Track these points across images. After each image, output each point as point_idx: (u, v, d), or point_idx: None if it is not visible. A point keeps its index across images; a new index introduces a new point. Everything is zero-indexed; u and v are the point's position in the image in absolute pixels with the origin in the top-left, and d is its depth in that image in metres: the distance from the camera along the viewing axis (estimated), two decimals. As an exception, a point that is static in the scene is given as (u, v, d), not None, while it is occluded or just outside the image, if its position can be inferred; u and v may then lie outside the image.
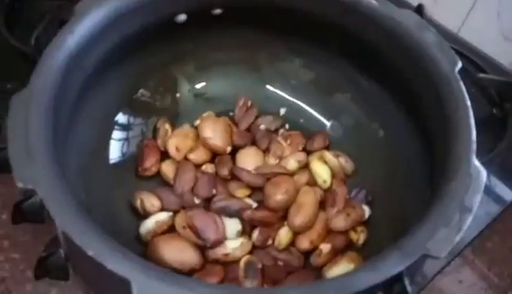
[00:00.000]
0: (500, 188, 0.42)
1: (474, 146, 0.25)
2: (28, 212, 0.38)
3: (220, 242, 0.33)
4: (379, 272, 0.21)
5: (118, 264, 0.19)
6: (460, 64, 0.29)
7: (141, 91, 0.39)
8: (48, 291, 0.37)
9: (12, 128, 0.23)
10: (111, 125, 0.36)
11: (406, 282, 0.22)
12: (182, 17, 0.37)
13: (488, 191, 0.42)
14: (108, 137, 0.36)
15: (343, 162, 0.38)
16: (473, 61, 0.49)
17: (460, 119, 0.26)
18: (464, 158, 0.25)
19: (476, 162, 0.25)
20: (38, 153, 0.22)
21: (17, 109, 0.24)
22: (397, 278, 0.22)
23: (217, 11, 0.38)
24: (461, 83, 0.28)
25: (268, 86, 0.43)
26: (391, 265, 0.21)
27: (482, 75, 0.47)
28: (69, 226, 0.20)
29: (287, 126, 0.42)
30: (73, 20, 0.29)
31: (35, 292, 0.36)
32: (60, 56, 0.27)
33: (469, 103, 0.27)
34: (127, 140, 0.37)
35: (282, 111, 0.43)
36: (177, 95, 0.41)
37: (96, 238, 0.20)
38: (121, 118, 0.38)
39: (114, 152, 0.37)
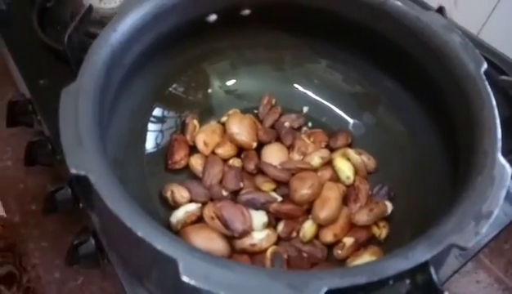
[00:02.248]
0: (518, 191, 0.42)
1: (500, 144, 0.26)
2: (59, 203, 0.40)
3: (247, 232, 0.35)
4: (409, 259, 0.22)
5: (165, 244, 0.21)
6: (485, 65, 0.30)
7: (174, 85, 0.40)
8: (76, 279, 0.38)
9: (63, 119, 0.25)
10: (147, 118, 0.38)
11: (432, 271, 0.23)
12: (213, 17, 0.38)
13: (506, 194, 0.42)
14: (143, 129, 0.38)
15: (366, 160, 0.40)
16: (494, 63, 0.49)
17: (486, 118, 0.27)
18: (490, 155, 0.26)
19: (501, 159, 0.26)
20: (88, 142, 0.24)
21: (67, 102, 0.26)
22: (424, 267, 0.23)
23: (246, 12, 0.39)
24: (487, 83, 0.29)
25: (293, 85, 0.45)
26: (420, 253, 0.22)
27: (502, 77, 0.48)
28: (120, 209, 0.22)
29: (310, 124, 0.44)
30: (115, 19, 0.30)
31: (63, 279, 0.38)
32: (104, 53, 0.29)
33: (494, 102, 0.28)
34: (161, 132, 0.39)
35: (305, 109, 0.44)
36: (209, 90, 0.43)
37: (144, 221, 0.22)
38: (156, 111, 0.39)
39: (149, 143, 0.39)
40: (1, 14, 0.53)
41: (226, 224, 0.34)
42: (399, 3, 0.34)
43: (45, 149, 0.42)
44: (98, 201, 0.30)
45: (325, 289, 0.20)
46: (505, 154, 0.27)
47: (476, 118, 0.28)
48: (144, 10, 0.32)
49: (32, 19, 0.50)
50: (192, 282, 0.19)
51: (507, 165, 0.26)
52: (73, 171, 0.22)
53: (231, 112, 0.42)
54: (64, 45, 0.44)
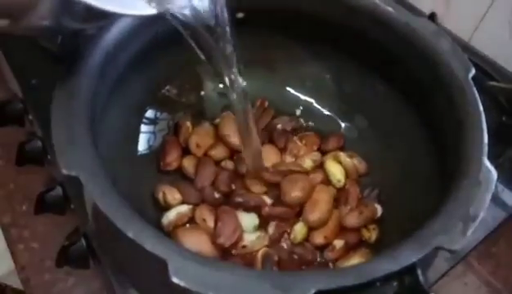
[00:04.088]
0: (507, 194, 0.43)
1: (486, 148, 0.27)
2: (50, 203, 0.40)
3: (233, 247, 0.34)
4: (396, 261, 0.22)
5: (155, 245, 0.21)
6: (473, 71, 0.30)
7: (167, 87, 0.41)
8: (66, 280, 0.38)
9: (56, 119, 0.25)
10: (139, 119, 0.38)
11: (419, 273, 0.23)
12: (207, 20, 0.38)
13: (495, 197, 0.43)
14: (136, 131, 0.38)
15: (357, 163, 0.40)
16: (484, 69, 0.50)
17: (473, 123, 0.28)
18: (477, 159, 0.26)
19: (487, 163, 0.26)
20: (81, 142, 0.24)
21: (60, 102, 0.26)
22: (411, 269, 0.23)
23: (240, 15, 0.39)
24: (474, 89, 0.29)
25: (286, 88, 0.45)
26: (406, 255, 0.22)
27: (492, 83, 0.49)
28: (111, 210, 0.22)
29: (302, 126, 0.44)
30: (110, 21, 0.30)
31: (53, 281, 0.38)
32: (98, 54, 0.29)
33: (481, 108, 0.28)
34: (153, 133, 0.39)
35: (298, 112, 0.45)
36: (202, 93, 0.43)
37: (135, 222, 0.22)
38: (148, 112, 0.40)
39: (141, 145, 0.39)
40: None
41: (214, 234, 0.34)
42: (390, 9, 0.35)
43: (36, 149, 0.42)
44: (89, 201, 0.30)
45: (313, 290, 0.20)
46: (494, 158, 0.27)
47: (463, 123, 0.29)
48: (138, 12, 0.32)
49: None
50: (182, 283, 0.20)
51: (493, 169, 0.26)
52: (64, 171, 0.23)
53: (223, 114, 0.42)
54: (57, 45, 0.44)
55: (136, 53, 0.33)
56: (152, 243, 0.21)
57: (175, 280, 0.20)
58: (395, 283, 0.23)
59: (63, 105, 0.25)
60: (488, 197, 0.25)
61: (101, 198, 0.22)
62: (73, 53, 0.43)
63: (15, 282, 0.60)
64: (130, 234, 0.21)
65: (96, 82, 0.28)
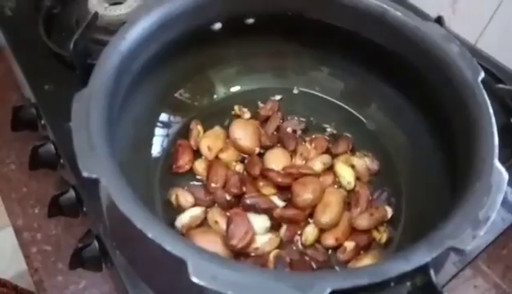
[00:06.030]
0: (516, 197, 0.43)
1: (497, 150, 0.27)
2: (63, 206, 0.40)
3: (245, 249, 0.35)
4: (409, 262, 0.23)
5: (175, 245, 0.21)
6: (482, 74, 0.31)
7: (180, 91, 0.42)
8: (78, 282, 0.38)
9: (75, 124, 0.26)
10: (153, 123, 0.39)
11: (432, 273, 0.24)
12: (218, 25, 0.39)
13: (504, 200, 0.42)
14: (150, 134, 0.39)
15: (369, 163, 0.40)
16: (491, 72, 0.50)
17: (483, 125, 0.28)
18: (488, 161, 0.27)
19: (498, 165, 0.27)
20: (100, 146, 0.25)
21: (79, 107, 0.26)
22: (424, 270, 0.23)
23: (250, 21, 0.40)
24: (484, 92, 0.30)
25: (295, 92, 0.46)
26: (420, 256, 0.23)
27: (499, 85, 0.49)
28: (130, 211, 0.22)
29: (312, 129, 0.44)
30: (124, 28, 0.31)
31: (66, 283, 0.38)
32: (113, 60, 0.30)
33: (491, 110, 0.29)
34: (167, 136, 0.40)
35: (307, 115, 0.45)
36: (214, 96, 0.44)
37: (154, 223, 0.23)
38: (162, 116, 0.40)
39: (155, 148, 0.40)
40: (7, 20, 0.54)
41: (227, 236, 0.35)
42: (399, 14, 0.35)
43: (49, 154, 0.42)
44: (107, 204, 0.31)
45: (329, 290, 0.20)
46: (502, 161, 0.28)
47: (474, 126, 0.29)
48: (152, 19, 0.33)
49: (38, 25, 0.50)
50: (201, 283, 0.20)
51: (504, 171, 0.27)
52: (85, 174, 0.23)
53: (235, 118, 0.43)
54: (69, 51, 0.44)
55: (149, 59, 0.34)
56: (171, 244, 0.21)
57: (195, 280, 0.20)
58: (409, 283, 0.23)
59: (82, 111, 0.26)
60: (500, 198, 0.25)
61: (121, 200, 0.23)
62: (85, 59, 0.44)
63: (25, 284, 0.61)
64: (150, 235, 0.22)
65: (112, 87, 0.29)
